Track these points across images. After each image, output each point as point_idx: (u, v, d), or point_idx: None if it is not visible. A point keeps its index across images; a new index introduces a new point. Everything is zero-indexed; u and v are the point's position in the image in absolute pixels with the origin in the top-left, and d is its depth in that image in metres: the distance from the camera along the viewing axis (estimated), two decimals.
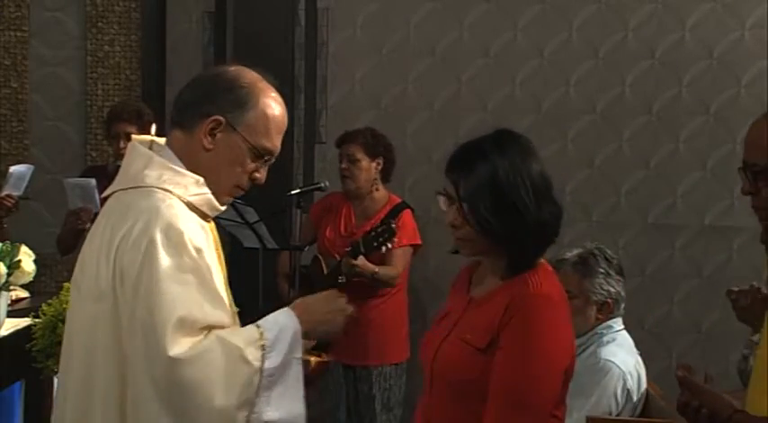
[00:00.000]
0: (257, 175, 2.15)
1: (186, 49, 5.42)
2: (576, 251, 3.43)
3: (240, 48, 5.10)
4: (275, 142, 2.15)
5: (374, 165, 4.57)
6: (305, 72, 5.32)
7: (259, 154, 2.12)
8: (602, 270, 3.35)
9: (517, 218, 2.14)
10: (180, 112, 2.14)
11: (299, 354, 2.05)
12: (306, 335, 2.08)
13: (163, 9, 5.48)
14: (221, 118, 2.08)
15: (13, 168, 4.62)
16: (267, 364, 1.99)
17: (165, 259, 1.95)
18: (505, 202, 2.15)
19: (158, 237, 1.96)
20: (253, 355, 1.98)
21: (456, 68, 5.32)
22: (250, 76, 2.15)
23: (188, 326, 1.94)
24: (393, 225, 4.28)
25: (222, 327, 1.99)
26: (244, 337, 2.01)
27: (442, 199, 2.28)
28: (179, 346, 1.92)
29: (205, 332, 1.96)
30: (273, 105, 2.14)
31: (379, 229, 4.25)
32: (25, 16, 5.49)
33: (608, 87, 5.27)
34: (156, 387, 1.93)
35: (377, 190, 4.60)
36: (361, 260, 4.32)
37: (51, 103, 5.52)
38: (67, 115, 5.52)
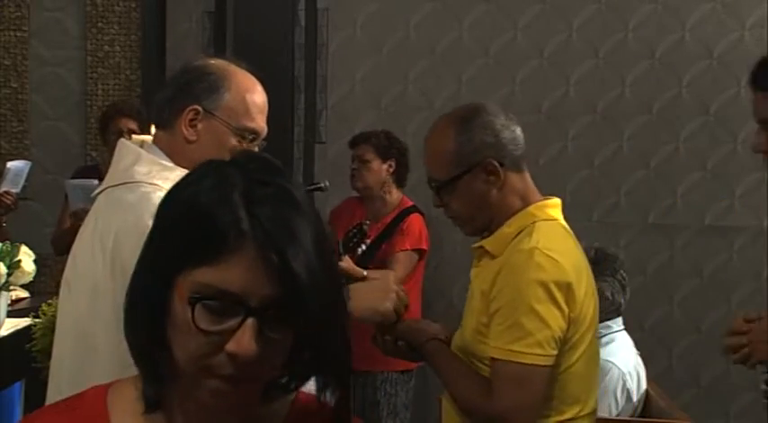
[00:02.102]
0: None
1: (186, 49, 5.42)
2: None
3: (240, 48, 5.09)
4: (259, 122, 2.11)
5: (385, 167, 4.54)
6: (305, 72, 5.31)
7: (244, 136, 2.09)
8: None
9: (342, 305, 1.24)
10: (157, 114, 2.13)
11: None
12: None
13: (163, 9, 5.47)
14: (198, 107, 2.06)
15: (10, 164, 4.60)
16: None
17: None
18: (336, 282, 1.24)
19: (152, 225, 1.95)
20: None
21: (456, 68, 5.32)
22: (218, 62, 2.13)
23: None
24: (365, 226, 4.24)
25: None
26: None
27: (208, 310, 1.13)
28: None
29: None
30: (249, 85, 2.11)
31: (354, 230, 4.21)
32: (25, 16, 5.49)
33: (608, 87, 5.26)
34: None
35: (389, 193, 4.57)
36: (346, 262, 4.25)
37: (51, 103, 5.52)
38: (67, 115, 5.52)
